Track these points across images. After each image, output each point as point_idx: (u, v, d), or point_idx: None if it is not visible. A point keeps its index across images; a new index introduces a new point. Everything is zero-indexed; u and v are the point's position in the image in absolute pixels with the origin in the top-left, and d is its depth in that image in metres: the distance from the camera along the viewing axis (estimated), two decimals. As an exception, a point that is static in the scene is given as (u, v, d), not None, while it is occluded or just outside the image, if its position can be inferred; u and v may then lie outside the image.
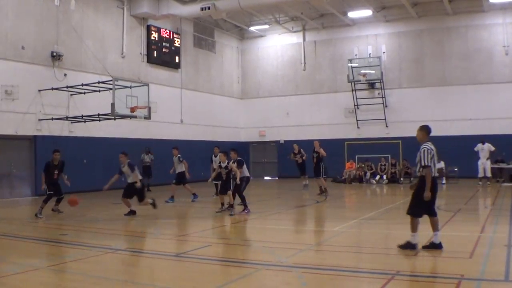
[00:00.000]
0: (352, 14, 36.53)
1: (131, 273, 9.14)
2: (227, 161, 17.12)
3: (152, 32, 33.19)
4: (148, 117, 25.70)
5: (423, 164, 10.27)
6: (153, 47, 33.26)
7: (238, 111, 42.40)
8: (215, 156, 23.13)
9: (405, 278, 8.38)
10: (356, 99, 37.41)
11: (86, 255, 10.81)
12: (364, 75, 36.23)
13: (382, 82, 36.36)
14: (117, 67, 30.24)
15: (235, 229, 14.44)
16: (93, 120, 26.32)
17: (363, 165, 33.85)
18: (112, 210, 19.48)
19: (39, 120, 25.87)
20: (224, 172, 17.08)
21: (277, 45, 41.54)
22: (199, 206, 20.67)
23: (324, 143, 37.01)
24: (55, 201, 18.03)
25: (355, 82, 36.92)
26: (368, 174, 33.15)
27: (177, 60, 35.28)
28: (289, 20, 39.35)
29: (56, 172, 17.79)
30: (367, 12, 35.98)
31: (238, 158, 17.38)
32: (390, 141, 35.31)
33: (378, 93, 37.03)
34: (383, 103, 36.73)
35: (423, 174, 10.34)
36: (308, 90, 40.01)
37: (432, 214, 10.51)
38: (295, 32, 40.48)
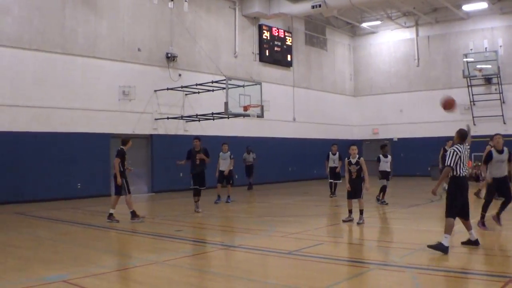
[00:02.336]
0: (467, 7, 35.36)
1: (244, 270, 9.22)
2: (357, 156, 14.75)
3: (264, 31, 33.47)
4: (261, 116, 25.86)
5: (446, 163, 10.19)
6: (265, 46, 33.54)
7: (351, 108, 42.10)
8: (333, 154, 22.55)
9: (524, 281, 8.03)
10: (472, 95, 36.25)
11: (200, 251, 11.02)
12: (480, 70, 35.05)
13: (499, 77, 35.02)
14: (230, 66, 30.71)
15: (348, 227, 14.31)
16: (207, 119, 26.81)
17: (479, 164, 32.77)
18: (226, 207, 19.76)
19: (155, 119, 26.66)
20: (354, 169, 14.62)
21: (390, 41, 40.90)
22: (312, 205, 20.66)
23: (439, 140, 36.24)
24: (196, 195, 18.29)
25: (471, 78, 35.78)
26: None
27: (289, 59, 35.43)
28: (402, 16, 38.68)
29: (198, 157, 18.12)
30: (482, 5, 34.72)
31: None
32: (509, 139, 33.92)
33: (495, 89, 35.70)
34: (500, 99, 35.37)
35: (453, 174, 10.23)
36: (422, 87, 39.12)
37: (463, 216, 10.43)
38: (407, 27, 39.71)
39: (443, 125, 36.99)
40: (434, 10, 37.56)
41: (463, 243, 10.31)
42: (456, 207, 10.21)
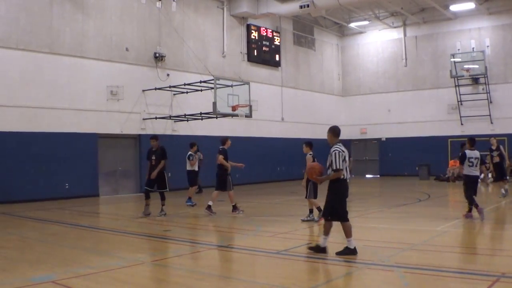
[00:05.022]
0: (454, 8, 35.52)
1: (232, 270, 9.22)
2: (310, 152, 15.05)
3: (252, 31, 33.47)
4: (249, 116, 25.84)
5: (335, 168, 9.93)
6: (253, 46, 33.54)
7: (339, 108, 42.14)
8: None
9: (511, 281, 8.04)
10: (459, 95, 36.40)
11: (189, 251, 10.99)
12: (468, 70, 35.20)
13: (487, 77, 35.19)
14: (218, 66, 30.69)
15: (336, 227, 14.31)
16: (195, 119, 26.79)
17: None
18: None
19: (143, 119, 26.60)
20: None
21: (377, 41, 41.00)
22: (301, 204, 20.66)
23: (426, 140, 36.38)
24: (160, 198, 17.07)
25: (458, 78, 35.93)
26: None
27: (277, 58, 35.45)
28: (389, 16, 38.78)
29: (153, 158, 16.69)
30: (469, 5, 34.89)
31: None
32: (496, 138, 34.13)
33: (483, 89, 35.86)
34: (487, 99, 35.54)
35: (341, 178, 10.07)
36: (410, 87, 39.26)
37: (343, 219, 10.18)
38: (395, 27, 39.82)
39: (431, 125, 37.25)
40: (422, 10, 37.70)
41: (310, 248, 10.25)
42: (339, 212, 10.12)
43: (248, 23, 33.39)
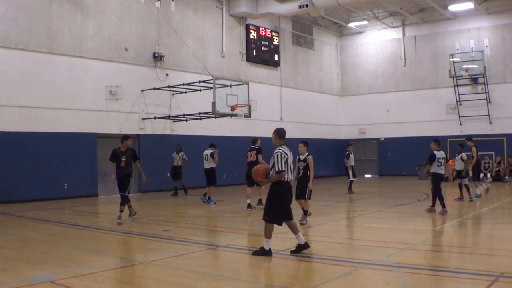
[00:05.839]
0: (453, 7, 35.50)
1: (232, 270, 9.21)
2: (306, 153, 15.24)
3: (251, 31, 33.47)
4: (248, 115, 25.83)
5: (277, 169, 10.02)
6: (252, 45, 33.54)
7: (338, 108, 42.18)
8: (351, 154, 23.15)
9: (510, 281, 8.04)
10: (458, 95, 36.41)
11: (188, 251, 10.98)
12: (466, 70, 35.17)
13: (485, 77, 35.18)
14: (217, 66, 30.70)
15: (335, 227, 14.33)
16: (194, 119, 26.77)
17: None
18: (214, 207, 19.74)
19: (142, 119, 26.60)
20: (301, 166, 14.97)
21: (377, 41, 40.99)
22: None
23: (425, 140, 36.25)
24: (121, 203, 15.91)
25: (457, 78, 35.91)
26: (470, 172, 32.32)
27: (276, 58, 35.44)
28: (388, 16, 38.78)
29: (123, 159, 15.80)
30: (468, 5, 34.87)
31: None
32: (494, 138, 34.18)
33: (481, 89, 35.87)
34: (486, 99, 35.53)
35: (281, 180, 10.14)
36: (409, 86, 39.26)
37: (289, 218, 10.29)
38: (394, 27, 39.82)
39: (430, 125, 37.25)
40: (421, 10, 37.70)
41: (292, 251, 10.19)
42: (281, 213, 10.17)
43: (247, 23, 33.39)
